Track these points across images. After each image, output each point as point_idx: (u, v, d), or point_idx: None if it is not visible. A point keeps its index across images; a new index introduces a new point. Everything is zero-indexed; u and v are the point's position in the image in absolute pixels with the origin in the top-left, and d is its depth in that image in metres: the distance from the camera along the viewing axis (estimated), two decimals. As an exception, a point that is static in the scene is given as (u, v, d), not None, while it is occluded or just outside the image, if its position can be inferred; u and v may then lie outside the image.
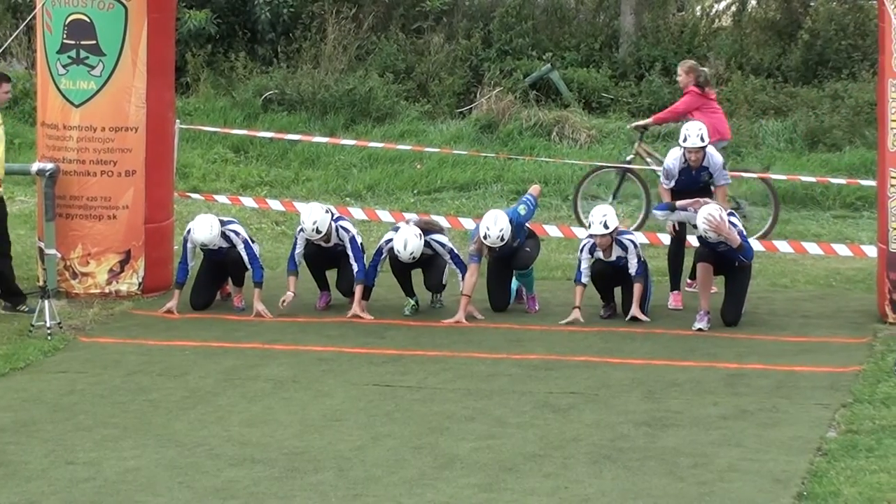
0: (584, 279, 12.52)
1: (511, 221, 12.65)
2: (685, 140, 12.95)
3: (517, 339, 12.06)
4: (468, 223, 14.65)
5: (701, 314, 12.26)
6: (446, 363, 11.55)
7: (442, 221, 14.63)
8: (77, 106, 13.86)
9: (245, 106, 20.73)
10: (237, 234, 13.13)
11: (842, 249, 14.22)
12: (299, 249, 13.16)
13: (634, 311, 12.37)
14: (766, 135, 18.97)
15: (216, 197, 17.81)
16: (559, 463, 9.19)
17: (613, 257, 12.53)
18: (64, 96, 13.71)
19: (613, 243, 12.48)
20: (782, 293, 13.39)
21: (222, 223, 13.09)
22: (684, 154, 13.07)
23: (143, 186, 14.14)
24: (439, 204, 17.46)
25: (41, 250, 14.08)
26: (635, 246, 12.59)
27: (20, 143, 19.25)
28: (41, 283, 13.92)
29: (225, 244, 13.10)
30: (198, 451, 9.63)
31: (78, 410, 10.91)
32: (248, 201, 16.86)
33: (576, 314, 12.37)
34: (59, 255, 14.07)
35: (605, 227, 12.33)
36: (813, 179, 16.30)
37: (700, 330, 12.08)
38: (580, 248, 12.75)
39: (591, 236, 12.58)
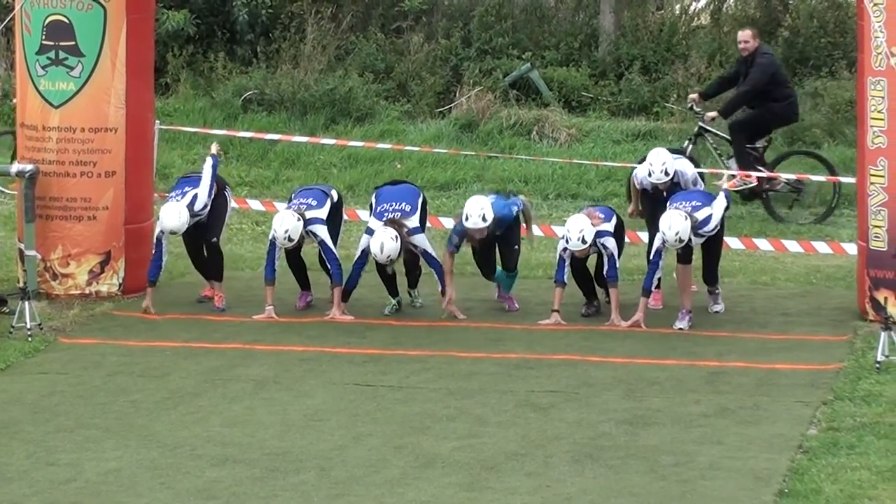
0: (566, 278, 12.49)
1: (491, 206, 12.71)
2: (650, 174, 12.78)
3: (498, 337, 12.09)
4: (448, 222, 14.70)
5: (682, 313, 12.28)
6: (427, 362, 11.61)
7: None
8: (56, 107, 13.88)
9: (225, 106, 20.76)
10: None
11: (822, 247, 14.28)
12: (277, 255, 13.13)
13: (614, 317, 12.37)
14: (747, 132, 19.10)
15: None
16: (541, 461, 9.23)
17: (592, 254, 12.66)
18: (43, 97, 13.72)
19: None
20: (763, 291, 13.45)
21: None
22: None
23: (122, 187, 14.16)
24: (419, 203, 17.53)
25: (21, 252, 14.09)
26: (613, 249, 12.57)
27: (-1, 144, 19.21)
28: (21, 285, 13.94)
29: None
30: (179, 452, 9.66)
31: (59, 412, 10.94)
32: (227, 201, 16.92)
33: (555, 318, 12.40)
34: (39, 257, 14.08)
35: (584, 241, 12.29)
36: (793, 177, 16.38)
37: (681, 329, 12.07)
38: (560, 247, 12.70)
39: (565, 250, 12.56)
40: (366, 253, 12.88)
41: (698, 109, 16.87)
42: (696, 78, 20.04)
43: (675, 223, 12.02)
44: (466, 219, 12.68)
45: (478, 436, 9.69)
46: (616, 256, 12.53)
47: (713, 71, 20.22)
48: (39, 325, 13.07)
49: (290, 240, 12.72)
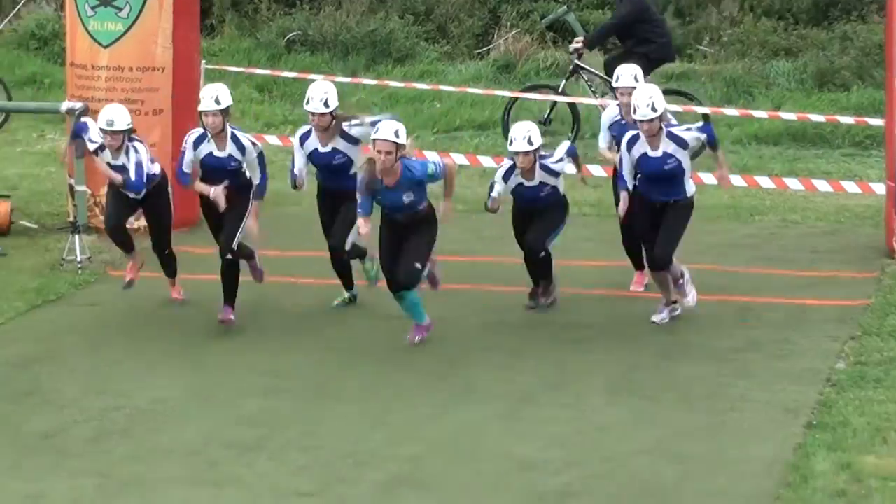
0: (492, 203, 11.10)
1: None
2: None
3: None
4: (487, 161, 14.73)
5: (661, 307, 11.00)
6: (464, 296, 11.75)
7: (460, 160, 14.67)
8: (105, 47, 14.05)
9: (269, 47, 20.92)
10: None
11: (851, 187, 14.25)
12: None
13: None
14: (777, 75, 19.01)
15: (241, 135, 17.95)
16: (575, 393, 9.33)
17: (536, 181, 10.98)
18: (92, 37, 13.89)
19: (537, 166, 10.95)
20: (793, 229, 13.43)
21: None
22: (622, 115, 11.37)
23: (169, 125, 14.31)
24: (458, 142, 17.58)
25: (71, 187, 14.33)
26: (561, 176, 11.16)
27: (49, 82, 19.70)
28: (71, 219, 14.15)
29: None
30: (226, 381, 9.83)
31: (108, 342, 11.15)
32: (272, 139, 17.05)
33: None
34: (88, 192, 14.25)
35: (530, 143, 10.75)
36: (822, 118, 16.29)
37: (654, 322, 10.81)
38: (497, 173, 11.26)
39: (513, 155, 10.94)
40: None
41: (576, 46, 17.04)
42: (728, 21, 19.96)
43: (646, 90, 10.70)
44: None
45: (514, 368, 9.79)
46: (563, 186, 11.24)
47: (744, 15, 20.27)
48: (89, 257, 13.31)
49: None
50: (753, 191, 13.30)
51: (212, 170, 11.12)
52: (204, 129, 10.97)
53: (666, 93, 13.76)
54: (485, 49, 20.45)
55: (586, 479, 8.13)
